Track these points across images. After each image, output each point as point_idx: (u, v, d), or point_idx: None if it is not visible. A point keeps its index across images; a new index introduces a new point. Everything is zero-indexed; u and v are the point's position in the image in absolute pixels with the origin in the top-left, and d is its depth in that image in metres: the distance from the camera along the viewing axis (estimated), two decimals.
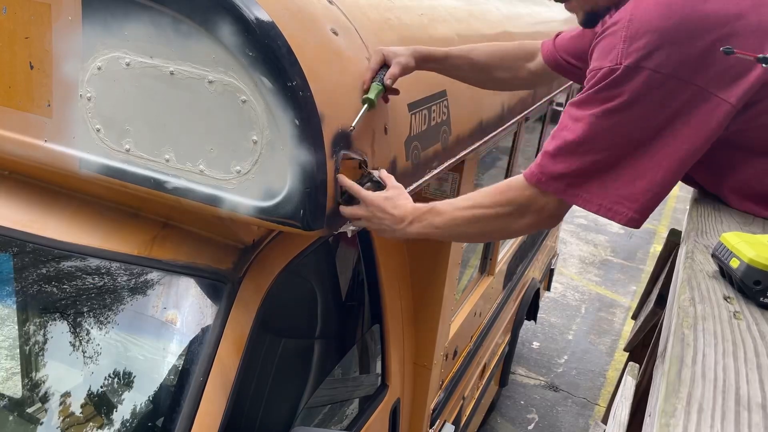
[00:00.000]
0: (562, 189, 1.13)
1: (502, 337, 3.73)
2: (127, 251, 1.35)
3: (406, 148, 1.49)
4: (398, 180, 1.37)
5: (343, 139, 1.20)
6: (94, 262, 1.37)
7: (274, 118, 1.11)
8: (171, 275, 1.34)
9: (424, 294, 2.15)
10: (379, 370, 2.06)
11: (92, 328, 1.34)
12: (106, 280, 1.36)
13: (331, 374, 1.86)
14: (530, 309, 4.37)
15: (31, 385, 1.37)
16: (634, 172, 1.07)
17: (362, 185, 1.26)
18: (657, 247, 7.40)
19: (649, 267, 6.54)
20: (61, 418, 1.29)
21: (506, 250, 3.39)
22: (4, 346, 1.40)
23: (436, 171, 1.66)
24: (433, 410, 2.37)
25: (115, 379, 1.30)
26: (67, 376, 1.34)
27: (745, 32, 1.02)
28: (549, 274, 5.16)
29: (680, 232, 1.94)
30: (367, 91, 1.29)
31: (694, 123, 1.03)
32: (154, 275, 1.35)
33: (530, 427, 4.34)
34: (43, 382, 1.34)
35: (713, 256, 0.90)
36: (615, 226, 8.01)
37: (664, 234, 2.92)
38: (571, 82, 3.52)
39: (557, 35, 1.61)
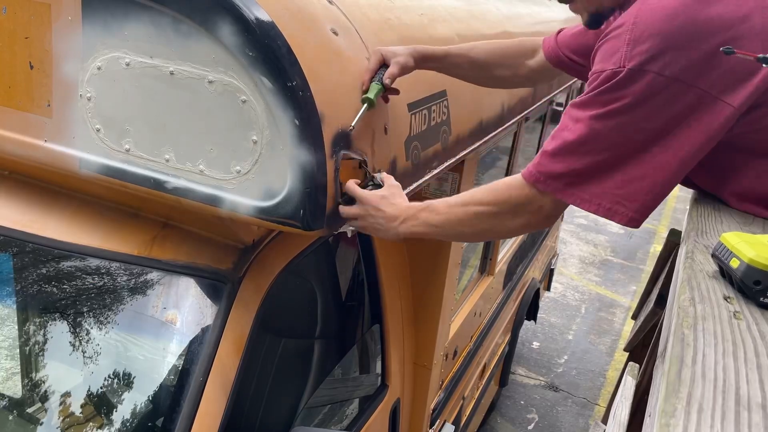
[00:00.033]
0: (561, 188, 1.12)
1: (502, 337, 3.73)
2: (127, 251, 1.35)
3: (406, 148, 1.49)
4: (398, 180, 1.37)
5: (343, 139, 1.20)
6: (94, 262, 1.37)
7: (274, 118, 1.11)
8: (171, 275, 1.34)
9: (424, 294, 2.15)
10: (379, 370, 2.06)
11: (92, 328, 1.34)
12: (106, 280, 1.36)
13: (331, 374, 1.86)
14: (530, 309, 4.37)
15: (31, 385, 1.37)
16: (634, 173, 1.07)
17: (365, 187, 1.26)
18: (657, 247, 7.41)
19: (649, 267, 6.54)
20: (61, 418, 1.29)
21: (506, 250, 3.38)
22: (4, 346, 1.40)
23: (436, 171, 1.66)
24: (433, 410, 2.37)
25: (115, 379, 1.30)
26: (67, 376, 1.34)
27: (750, 35, 1.02)
28: (549, 274, 5.16)
29: (680, 232, 1.94)
30: (366, 91, 1.29)
31: (697, 126, 1.03)
32: (154, 275, 1.35)
33: (530, 427, 4.34)
34: (43, 382, 1.34)
35: (713, 256, 0.90)
36: (615, 226, 8.01)
37: (664, 234, 2.92)
38: (571, 82, 3.53)
39: (559, 32, 1.61)
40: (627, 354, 2.67)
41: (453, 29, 1.96)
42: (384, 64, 1.36)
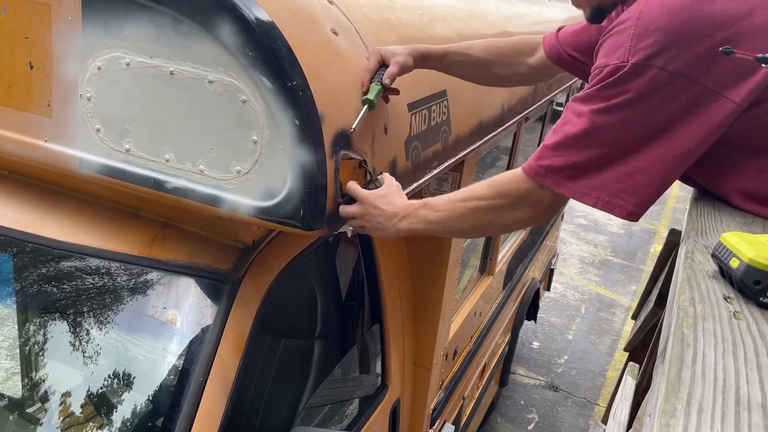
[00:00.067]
0: (561, 182, 1.13)
1: (502, 337, 3.73)
2: (127, 251, 1.35)
3: (406, 148, 1.49)
4: (398, 180, 1.38)
5: (343, 139, 1.20)
6: (94, 262, 1.37)
7: (274, 118, 1.11)
8: (171, 275, 1.34)
9: (424, 294, 2.15)
10: (379, 370, 2.06)
11: (92, 328, 1.34)
12: (106, 280, 1.36)
13: (331, 374, 1.86)
14: (530, 309, 4.37)
15: (31, 385, 1.37)
16: (634, 166, 1.08)
17: (365, 187, 1.27)
18: (657, 247, 7.41)
19: (649, 267, 6.54)
20: (61, 418, 1.29)
21: (506, 250, 3.38)
22: (4, 346, 1.40)
23: (436, 171, 1.66)
24: (433, 410, 2.37)
25: (115, 379, 1.30)
26: (67, 376, 1.34)
27: (753, 31, 1.02)
28: (549, 274, 5.16)
29: (680, 232, 1.93)
30: (366, 92, 1.29)
31: (698, 121, 1.04)
32: (154, 275, 1.35)
33: (530, 427, 4.34)
34: (43, 382, 1.34)
35: (713, 256, 0.90)
36: (615, 226, 8.01)
37: (664, 234, 2.92)
38: (571, 82, 3.53)
39: (559, 29, 1.61)
40: (627, 354, 2.67)
41: (453, 29, 1.96)
42: (383, 64, 1.36)
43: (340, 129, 1.19)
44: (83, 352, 1.33)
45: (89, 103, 1.23)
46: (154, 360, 1.31)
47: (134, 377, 1.30)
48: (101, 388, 1.29)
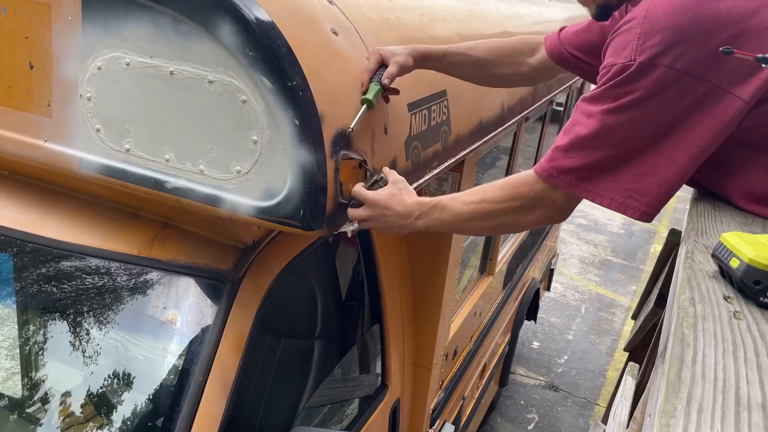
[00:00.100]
0: (573, 183, 1.13)
1: (502, 337, 3.73)
2: (127, 251, 1.35)
3: (406, 148, 1.49)
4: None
5: (343, 139, 1.20)
6: (94, 262, 1.37)
7: (274, 118, 1.11)
8: (171, 275, 1.34)
9: (424, 294, 2.15)
10: (379, 370, 2.06)
11: (92, 328, 1.34)
12: (106, 280, 1.36)
13: (331, 374, 1.86)
14: (530, 309, 4.37)
15: (31, 385, 1.37)
16: (646, 167, 1.08)
17: (370, 187, 1.27)
18: (657, 247, 7.41)
19: (649, 267, 6.54)
20: (61, 418, 1.29)
21: (506, 250, 3.38)
22: (4, 346, 1.40)
23: (436, 171, 1.66)
24: (433, 410, 2.37)
25: (115, 379, 1.30)
26: (67, 376, 1.34)
27: (760, 29, 1.03)
28: (549, 274, 5.16)
29: (680, 232, 1.94)
30: (365, 92, 1.29)
31: (707, 119, 1.04)
32: (154, 275, 1.35)
33: (530, 427, 4.34)
34: (43, 382, 1.34)
35: (713, 256, 0.90)
36: (615, 226, 8.01)
37: (664, 234, 2.92)
38: (571, 82, 3.53)
39: (561, 29, 1.61)
40: (627, 354, 2.67)
41: (453, 29, 1.96)
42: (383, 64, 1.36)
43: (340, 129, 1.19)
44: (83, 352, 1.33)
45: (89, 103, 1.23)
46: (154, 360, 1.31)
47: (134, 377, 1.30)
48: (101, 388, 1.29)
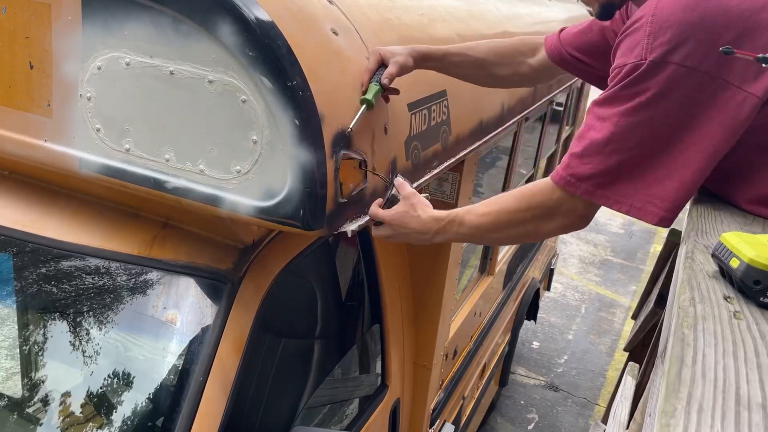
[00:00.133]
0: (591, 190, 1.12)
1: (502, 337, 3.73)
2: (127, 251, 1.35)
3: (406, 148, 1.49)
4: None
5: (343, 139, 1.20)
6: (94, 262, 1.37)
7: (274, 118, 1.11)
8: (171, 275, 1.34)
9: (424, 294, 2.15)
10: (379, 370, 2.06)
11: (92, 328, 1.34)
12: (106, 280, 1.36)
13: (331, 374, 1.86)
14: (530, 309, 4.37)
15: (31, 385, 1.37)
16: (663, 170, 1.06)
17: (388, 203, 1.31)
18: (657, 247, 7.40)
19: (649, 267, 6.54)
20: (61, 418, 1.29)
21: (506, 250, 3.38)
22: (4, 346, 1.40)
23: (436, 171, 1.66)
24: (433, 410, 2.37)
25: (115, 379, 1.30)
26: (67, 376, 1.34)
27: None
28: (549, 274, 5.16)
29: (680, 232, 1.94)
30: (365, 92, 1.29)
31: (722, 117, 1.02)
32: (154, 275, 1.35)
33: (530, 427, 4.34)
34: (43, 382, 1.34)
35: (713, 256, 0.90)
36: (615, 226, 8.01)
37: (664, 234, 2.93)
38: (571, 82, 3.53)
39: (561, 30, 1.60)
40: (627, 354, 2.68)
41: (453, 29, 1.96)
42: (383, 64, 1.36)
43: (340, 129, 1.19)
44: (83, 351, 1.33)
45: (89, 103, 1.23)
46: (154, 360, 1.31)
47: (134, 377, 1.30)
48: (101, 388, 1.29)
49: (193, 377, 1.23)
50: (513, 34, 2.50)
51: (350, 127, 1.22)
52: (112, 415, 1.27)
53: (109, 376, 1.30)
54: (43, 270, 1.41)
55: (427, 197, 1.34)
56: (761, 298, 0.80)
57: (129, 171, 1.23)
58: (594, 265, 6.95)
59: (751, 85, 1.01)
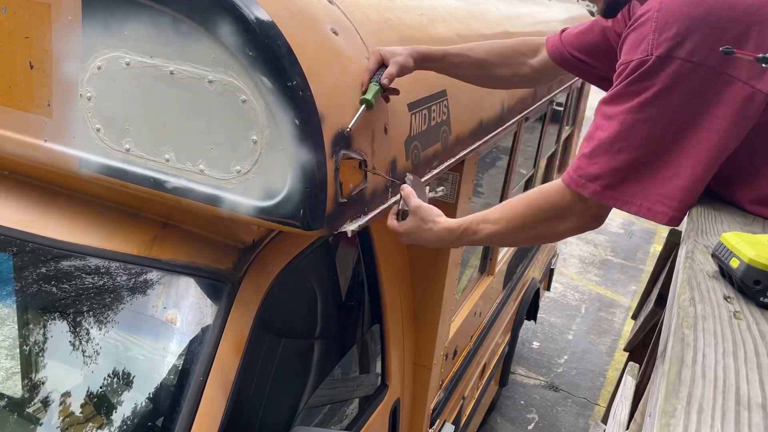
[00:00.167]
0: (600, 192, 1.11)
1: (502, 337, 3.73)
2: (127, 251, 1.35)
3: (406, 147, 1.49)
4: (398, 180, 1.38)
5: (343, 139, 1.20)
6: (94, 262, 1.37)
7: (274, 118, 1.11)
8: (171, 275, 1.34)
9: (424, 294, 2.15)
10: (379, 370, 2.06)
11: (92, 327, 1.34)
12: (106, 280, 1.36)
13: (331, 374, 1.86)
14: (530, 309, 4.37)
15: (31, 384, 1.37)
16: (671, 169, 1.06)
17: (401, 216, 1.37)
18: (657, 247, 7.40)
19: (649, 267, 6.54)
20: (61, 418, 1.29)
21: (506, 250, 3.38)
22: (4, 346, 1.40)
23: (436, 171, 1.66)
24: (433, 410, 2.37)
25: (115, 379, 1.30)
26: (67, 376, 1.34)
27: None
28: (549, 274, 5.16)
29: (680, 232, 1.94)
30: (364, 92, 1.29)
31: (728, 113, 1.02)
32: (154, 275, 1.35)
33: (530, 427, 4.34)
34: (43, 382, 1.34)
35: (713, 256, 0.90)
36: (615, 226, 8.01)
37: (664, 234, 2.92)
38: (571, 82, 3.53)
39: (563, 31, 1.60)
40: (627, 354, 2.68)
41: (453, 29, 1.96)
42: (383, 65, 1.36)
43: (340, 129, 1.19)
44: (83, 351, 1.33)
45: (89, 103, 1.23)
46: (154, 360, 1.31)
47: (134, 377, 1.30)
48: (101, 388, 1.29)
49: (193, 377, 1.23)
50: (513, 34, 2.50)
51: (349, 126, 1.22)
52: (112, 415, 1.27)
53: (109, 376, 1.30)
54: (43, 270, 1.41)
55: (442, 191, 1.39)
56: (761, 298, 0.80)
57: (129, 171, 1.23)
58: (594, 265, 6.95)
59: (759, 82, 1.00)
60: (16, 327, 1.41)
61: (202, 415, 1.20)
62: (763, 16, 1.00)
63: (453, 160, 1.78)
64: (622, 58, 1.09)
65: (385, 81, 1.31)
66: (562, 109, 4.25)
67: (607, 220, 1.25)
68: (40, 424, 1.31)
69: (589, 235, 7.70)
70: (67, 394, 1.31)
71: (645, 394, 1.43)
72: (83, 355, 1.33)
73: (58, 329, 1.37)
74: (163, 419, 1.22)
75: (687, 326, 0.72)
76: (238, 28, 1.07)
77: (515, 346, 4.26)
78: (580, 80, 3.98)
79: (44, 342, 1.38)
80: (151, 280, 1.35)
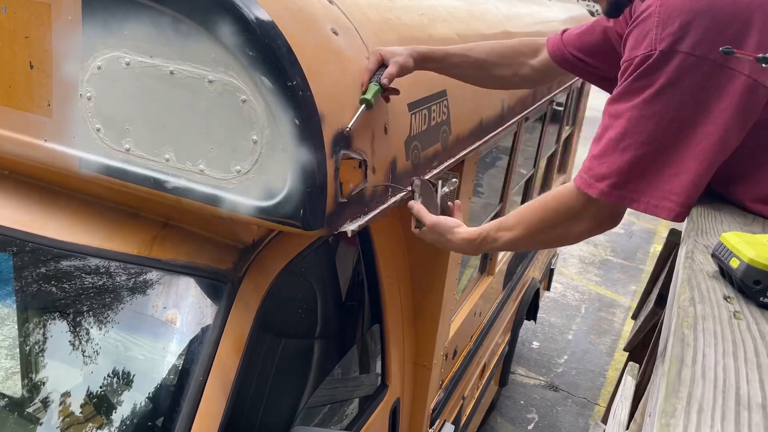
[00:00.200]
0: (608, 191, 1.12)
1: (502, 337, 3.73)
2: (127, 251, 1.35)
3: (406, 147, 1.49)
4: (398, 180, 1.40)
5: (343, 139, 1.20)
6: (94, 262, 1.37)
7: (274, 118, 1.11)
8: (171, 275, 1.34)
9: (424, 294, 2.15)
10: (379, 369, 2.06)
11: (92, 327, 1.34)
12: (106, 280, 1.36)
13: (331, 374, 1.86)
14: (530, 309, 4.36)
15: (31, 384, 1.37)
16: (676, 165, 1.06)
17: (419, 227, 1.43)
18: (657, 247, 7.40)
19: (649, 267, 6.54)
20: (61, 418, 1.29)
21: None
22: (4, 345, 1.40)
23: (436, 171, 1.66)
24: (433, 410, 2.37)
25: (115, 379, 1.30)
26: (68, 375, 1.34)
27: None
28: (549, 273, 5.16)
29: (680, 232, 1.94)
30: (364, 92, 1.29)
31: (731, 107, 1.01)
32: (154, 275, 1.35)
33: (530, 427, 4.34)
34: (44, 382, 1.34)
35: (713, 256, 0.90)
36: None
37: (664, 234, 2.92)
38: (571, 82, 3.53)
39: (564, 31, 1.60)
40: (627, 354, 2.68)
41: (453, 29, 1.96)
42: (383, 65, 1.36)
43: (340, 129, 1.19)
44: (83, 351, 1.33)
45: (89, 103, 1.23)
46: (154, 360, 1.31)
47: (134, 377, 1.30)
48: (101, 388, 1.29)
49: (193, 377, 1.23)
50: (513, 34, 2.50)
51: (349, 126, 1.22)
52: (112, 415, 1.27)
53: (109, 375, 1.30)
54: (43, 270, 1.41)
55: (455, 183, 1.44)
56: (761, 298, 0.80)
57: (129, 171, 1.23)
58: (594, 265, 6.95)
59: (761, 74, 1.00)
60: (16, 327, 1.41)
61: (202, 415, 1.20)
62: (766, 9, 1.00)
63: (453, 160, 1.78)
64: (626, 54, 1.09)
65: (385, 81, 1.31)
66: (562, 109, 4.25)
67: None
68: (40, 424, 1.31)
69: None
70: (67, 394, 1.31)
71: (645, 394, 1.43)
72: (83, 355, 1.33)
73: (58, 329, 1.37)
74: (163, 419, 1.22)
75: (687, 326, 0.72)
76: (238, 28, 1.07)
77: (515, 346, 4.26)
78: (580, 80, 3.98)
79: (44, 342, 1.38)
80: (151, 280, 1.35)
